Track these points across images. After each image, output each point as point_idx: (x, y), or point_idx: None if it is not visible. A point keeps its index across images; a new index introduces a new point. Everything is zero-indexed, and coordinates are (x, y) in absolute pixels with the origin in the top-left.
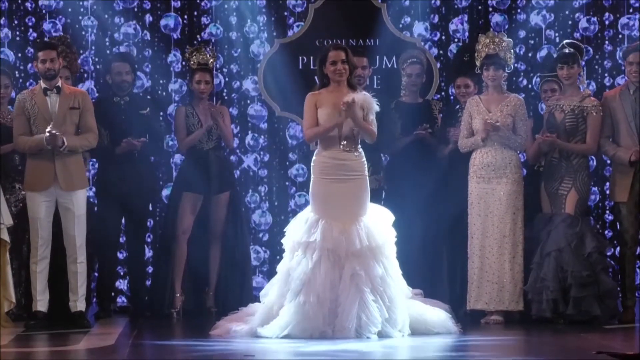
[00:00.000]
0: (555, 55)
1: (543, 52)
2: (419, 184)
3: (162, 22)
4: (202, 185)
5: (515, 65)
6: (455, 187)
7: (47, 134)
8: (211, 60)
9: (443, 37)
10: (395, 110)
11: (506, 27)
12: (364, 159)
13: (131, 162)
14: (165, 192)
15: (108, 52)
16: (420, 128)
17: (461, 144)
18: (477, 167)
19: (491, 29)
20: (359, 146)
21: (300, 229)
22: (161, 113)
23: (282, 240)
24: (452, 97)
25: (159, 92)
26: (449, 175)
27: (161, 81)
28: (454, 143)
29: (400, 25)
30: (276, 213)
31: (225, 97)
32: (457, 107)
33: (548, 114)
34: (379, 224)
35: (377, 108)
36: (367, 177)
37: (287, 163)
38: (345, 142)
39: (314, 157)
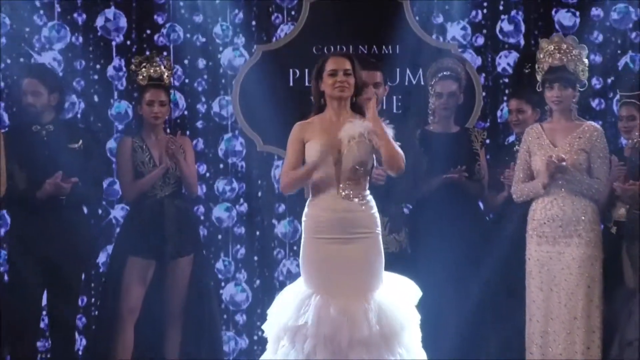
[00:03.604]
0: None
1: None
2: (455, 246)
3: (99, 21)
4: (155, 247)
5: (589, 80)
6: (508, 249)
7: None
8: (167, 73)
9: (489, 42)
10: (421, 143)
11: (576, 27)
12: (375, 209)
13: (57, 215)
14: (104, 256)
15: (22, 60)
16: (452, 171)
17: (515, 190)
18: (537, 223)
19: (557, 31)
20: (367, 192)
21: (287, 309)
22: (99, 147)
23: (264, 326)
24: (500, 124)
25: (96, 118)
26: (499, 234)
27: (99, 103)
28: (508, 189)
29: (430, 26)
30: (257, 286)
31: (187, 126)
32: (511, 139)
33: (630, 151)
34: (396, 301)
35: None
36: (380, 236)
37: (273, 216)
38: (345, 186)
39: (305, 210)
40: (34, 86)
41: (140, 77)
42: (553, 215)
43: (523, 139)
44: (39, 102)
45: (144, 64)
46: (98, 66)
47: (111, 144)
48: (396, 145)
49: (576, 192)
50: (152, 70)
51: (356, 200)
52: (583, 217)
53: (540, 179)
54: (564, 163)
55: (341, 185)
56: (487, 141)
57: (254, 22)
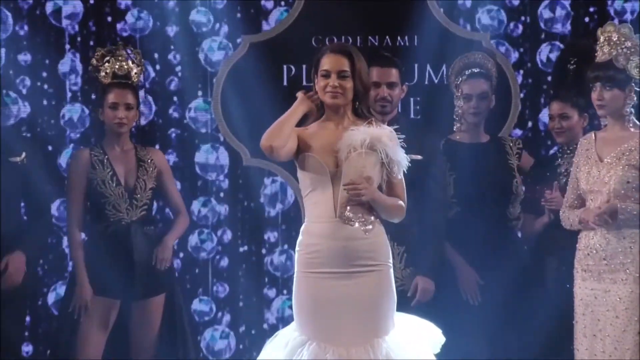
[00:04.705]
0: None
1: None
2: (488, 281)
3: (49, 6)
4: (119, 284)
5: None
6: (551, 286)
7: None
8: (135, 70)
9: (528, 32)
10: (445, 155)
11: (635, 14)
12: (384, 237)
13: None
14: (55, 295)
15: None
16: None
17: (562, 215)
18: (582, 254)
19: (612, 18)
20: (373, 216)
21: (276, 358)
22: (47, 161)
23: None
24: (543, 132)
25: (45, 124)
26: (541, 267)
27: (48, 106)
28: (550, 213)
29: (456, 12)
30: (244, 331)
31: (157, 135)
32: (555, 151)
33: None
34: (411, 349)
35: (404, 157)
36: (391, 269)
37: (263, 246)
38: (346, 208)
39: (299, 238)
40: None
41: (103, 73)
42: (595, 245)
43: (576, 152)
44: None
45: (108, 58)
46: (47, 61)
47: (63, 157)
48: (394, 203)
49: (622, 220)
50: (117, 66)
51: (359, 225)
52: (631, 249)
53: (580, 213)
54: (618, 208)
55: (340, 207)
56: (530, 153)
57: (239, 7)
